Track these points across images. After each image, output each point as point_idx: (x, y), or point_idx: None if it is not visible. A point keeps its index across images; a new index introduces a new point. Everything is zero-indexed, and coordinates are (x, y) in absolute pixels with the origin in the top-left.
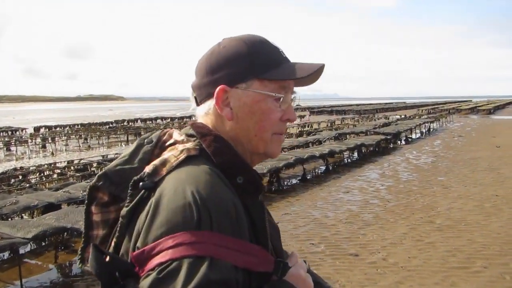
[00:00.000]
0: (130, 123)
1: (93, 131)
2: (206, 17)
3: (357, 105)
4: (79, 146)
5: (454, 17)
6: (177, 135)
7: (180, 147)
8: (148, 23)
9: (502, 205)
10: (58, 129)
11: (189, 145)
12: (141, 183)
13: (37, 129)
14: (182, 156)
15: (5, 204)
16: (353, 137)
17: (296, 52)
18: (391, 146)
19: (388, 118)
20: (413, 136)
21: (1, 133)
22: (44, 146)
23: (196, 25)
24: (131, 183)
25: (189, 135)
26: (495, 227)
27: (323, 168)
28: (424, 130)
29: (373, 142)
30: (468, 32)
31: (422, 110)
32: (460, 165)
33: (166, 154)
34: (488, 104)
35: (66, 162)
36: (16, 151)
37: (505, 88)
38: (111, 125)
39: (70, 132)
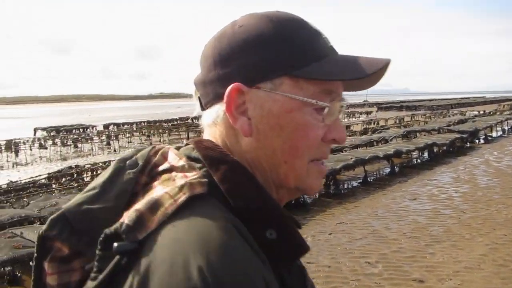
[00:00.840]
0: (194, 120)
1: (156, 128)
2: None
3: (430, 100)
4: (142, 143)
5: None
6: (173, 157)
7: (179, 179)
8: (215, 19)
9: None
10: (125, 126)
11: (192, 176)
12: (115, 244)
13: (106, 126)
14: (182, 198)
15: (45, 205)
16: (424, 135)
17: (359, 48)
18: (468, 145)
19: (465, 114)
20: (494, 134)
21: (74, 130)
22: (108, 144)
23: None
24: (100, 239)
25: (191, 159)
26: None
27: (388, 170)
28: (506, 128)
29: (447, 141)
30: None
31: (504, 106)
32: None
33: (157, 190)
34: None
35: None
36: (83, 148)
37: None
38: (174, 123)
39: (134, 129)
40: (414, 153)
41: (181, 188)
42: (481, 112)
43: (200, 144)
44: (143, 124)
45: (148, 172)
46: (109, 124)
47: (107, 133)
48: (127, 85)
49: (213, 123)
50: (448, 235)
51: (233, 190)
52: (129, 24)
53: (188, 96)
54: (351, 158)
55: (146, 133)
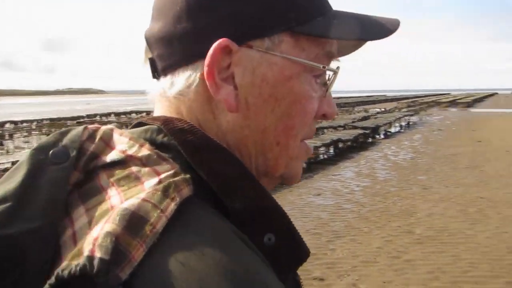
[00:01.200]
0: (103, 118)
1: (59, 126)
2: None
3: (338, 98)
4: None
5: (437, 10)
6: (125, 142)
7: (147, 177)
8: (134, 14)
9: (488, 210)
10: (24, 124)
11: (168, 172)
12: None
13: (1, 124)
14: (172, 206)
15: None
16: (331, 131)
17: None
18: (370, 141)
19: (368, 112)
20: (392, 130)
21: None
22: (1, 144)
23: None
24: None
25: (158, 145)
26: (482, 238)
27: None
28: (403, 124)
29: (351, 137)
30: (448, 26)
31: (402, 103)
32: (441, 162)
33: (113, 195)
34: (467, 97)
35: (11, 163)
36: None
37: (482, 82)
38: (80, 120)
39: (33, 128)
40: (321, 149)
41: (165, 191)
42: (382, 110)
43: (171, 124)
44: (44, 122)
45: (83, 166)
46: (5, 122)
47: (0, 131)
48: (32, 79)
49: (178, 95)
50: (348, 230)
51: (229, 188)
52: (35, 11)
53: (99, 92)
54: None
55: (46, 132)
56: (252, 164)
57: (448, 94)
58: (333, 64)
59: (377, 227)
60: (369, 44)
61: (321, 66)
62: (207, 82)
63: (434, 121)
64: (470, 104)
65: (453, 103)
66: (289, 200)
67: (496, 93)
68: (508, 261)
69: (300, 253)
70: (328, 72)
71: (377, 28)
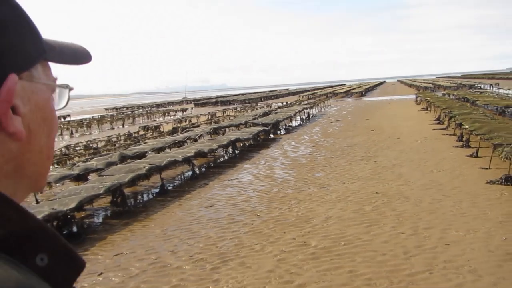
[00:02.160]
0: None
1: None
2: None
3: (243, 94)
4: None
5: (326, 5)
6: None
7: None
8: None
9: (383, 207)
10: None
11: None
12: None
13: None
14: None
15: None
16: (232, 130)
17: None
18: (271, 137)
19: (270, 107)
20: (293, 124)
21: None
22: None
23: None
24: None
25: None
26: (378, 243)
27: (190, 173)
28: (304, 117)
29: (250, 135)
30: (339, 20)
31: (302, 96)
32: (338, 155)
33: None
34: (360, 87)
35: None
36: None
37: (372, 72)
38: None
39: None
40: (220, 151)
41: None
42: (284, 104)
43: None
44: None
45: None
46: None
47: None
48: None
49: None
50: (238, 250)
51: None
52: None
53: None
54: (145, 167)
55: None
56: (24, 185)
57: (344, 84)
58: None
59: (270, 242)
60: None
61: (66, 86)
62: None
63: (332, 112)
64: (363, 93)
65: (349, 93)
66: (177, 217)
67: (385, 82)
68: (406, 270)
69: (75, 266)
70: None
71: (77, 52)
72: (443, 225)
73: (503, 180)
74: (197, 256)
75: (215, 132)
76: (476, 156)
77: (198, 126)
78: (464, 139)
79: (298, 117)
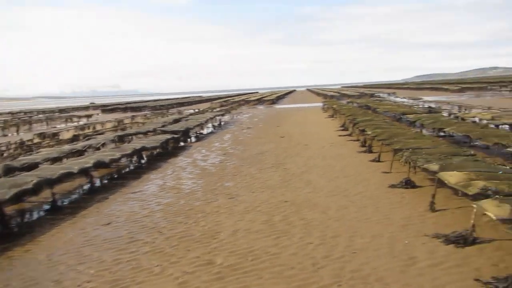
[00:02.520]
0: None
1: None
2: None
3: (155, 100)
4: None
5: (238, 17)
6: None
7: None
8: None
9: (292, 216)
10: None
11: None
12: None
13: None
14: None
15: None
16: (139, 138)
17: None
18: (182, 145)
19: (182, 113)
20: (205, 131)
21: None
22: None
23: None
24: None
25: None
26: (287, 256)
27: (89, 186)
28: (216, 124)
29: (158, 143)
30: (252, 30)
31: (215, 103)
32: (248, 162)
33: None
34: (271, 95)
35: None
36: None
37: (284, 80)
38: None
39: None
40: (124, 161)
41: None
42: (196, 110)
43: None
44: None
45: None
46: None
47: None
48: None
49: None
50: (134, 274)
51: None
52: None
53: None
54: (32, 180)
55: None
56: None
57: (257, 92)
58: None
59: (172, 262)
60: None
61: None
62: None
63: (244, 119)
64: (274, 101)
65: (261, 100)
66: (68, 238)
67: (295, 90)
68: (314, 285)
69: None
70: None
71: None
72: (349, 232)
73: (404, 184)
74: (86, 285)
75: (120, 140)
76: (378, 161)
77: (102, 133)
78: (367, 144)
79: (210, 124)
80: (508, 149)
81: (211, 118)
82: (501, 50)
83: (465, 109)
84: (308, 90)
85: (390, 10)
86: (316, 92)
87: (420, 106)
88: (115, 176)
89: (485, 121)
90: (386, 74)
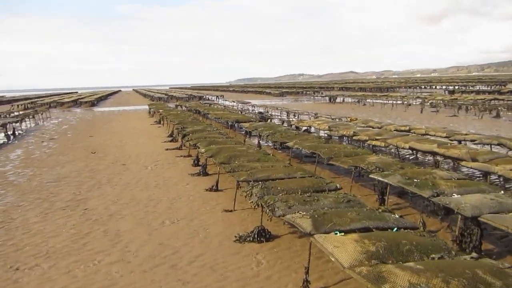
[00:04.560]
0: None
1: None
2: None
3: None
4: None
5: (57, 8)
6: None
7: None
8: None
9: None
10: None
11: None
12: None
13: None
14: None
15: None
16: None
17: None
18: None
19: None
20: None
21: None
22: None
23: None
24: None
25: None
26: None
27: None
28: (9, 134)
29: None
30: (68, 26)
31: (18, 106)
32: (31, 200)
33: None
34: (91, 96)
35: None
36: None
37: (109, 80)
38: None
39: None
40: None
41: None
42: None
43: None
44: None
45: None
46: None
47: None
48: None
49: None
50: None
51: None
52: None
53: None
54: None
55: None
56: None
57: (76, 92)
58: None
59: None
60: None
61: None
62: None
63: (50, 126)
64: (94, 103)
65: (77, 102)
66: None
67: (120, 90)
68: None
69: None
70: None
71: None
72: None
73: (255, 236)
74: None
75: None
76: (217, 190)
77: None
78: (200, 163)
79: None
80: (370, 174)
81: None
82: (305, 60)
83: (294, 115)
84: (135, 90)
85: (210, 15)
86: (143, 94)
87: (251, 111)
88: None
89: (323, 132)
90: (212, 77)
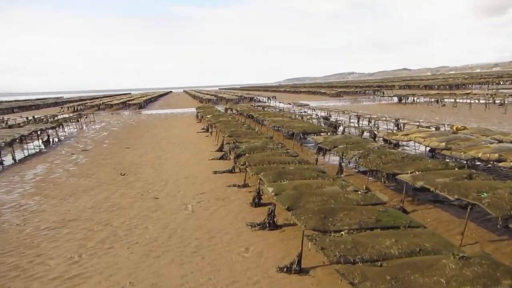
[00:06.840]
0: None
1: None
2: None
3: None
4: None
5: (105, 9)
6: None
7: None
8: None
9: None
10: None
11: None
12: None
13: None
14: None
15: None
16: None
17: None
18: None
19: (6, 122)
20: (22, 154)
21: None
22: None
23: None
24: None
25: None
26: None
27: None
28: (44, 140)
29: None
30: (121, 26)
31: (68, 108)
32: (6, 268)
33: None
34: (141, 97)
35: None
36: None
37: (162, 81)
38: None
39: None
40: None
41: None
42: (30, 118)
43: None
44: None
45: None
46: None
47: None
48: None
49: None
50: None
51: None
52: None
53: None
54: None
55: None
56: None
57: (129, 93)
58: None
59: None
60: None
61: None
62: None
63: (90, 132)
64: (142, 105)
65: (126, 104)
66: None
67: (171, 91)
68: None
69: None
70: None
71: None
72: None
73: None
74: None
75: None
76: (300, 271)
77: None
78: (262, 199)
79: (35, 144)
80: None
81: (30, 134)
82: (355, 57)
83: (369, 121)
84: (185, 91)
85: (257, 14)
86: (192, 95)
87: (314, 116)
88: None
89: (426, 148)
90: (260, 77)
